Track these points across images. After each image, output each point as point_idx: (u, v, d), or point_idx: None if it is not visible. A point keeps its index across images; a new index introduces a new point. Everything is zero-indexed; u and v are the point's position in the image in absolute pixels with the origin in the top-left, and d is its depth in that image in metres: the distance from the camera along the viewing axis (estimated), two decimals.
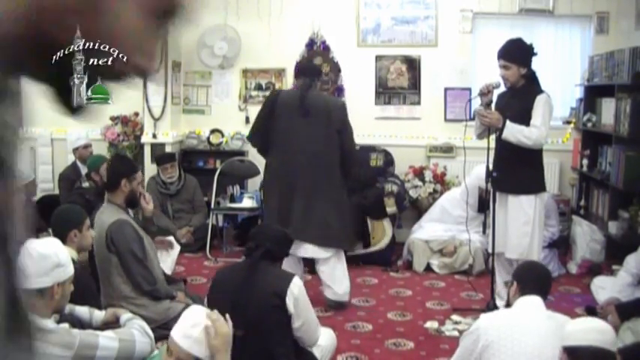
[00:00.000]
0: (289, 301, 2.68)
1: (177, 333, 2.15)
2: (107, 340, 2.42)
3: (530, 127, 3.83)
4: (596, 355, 2.05)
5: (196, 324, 2.15)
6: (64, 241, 2.96)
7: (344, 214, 4.28)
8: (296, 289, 2.72)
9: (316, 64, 4.55)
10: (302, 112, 4.12)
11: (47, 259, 2.33)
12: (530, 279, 2.69)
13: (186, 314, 2.22)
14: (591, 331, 2.10)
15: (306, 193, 4.12)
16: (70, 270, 2.44)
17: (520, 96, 3.94)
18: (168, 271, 4.23)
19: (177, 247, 4.70)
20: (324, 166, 4.14)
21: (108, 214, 3.42)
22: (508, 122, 3.81)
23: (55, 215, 3.25)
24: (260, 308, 2.68)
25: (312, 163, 4.11)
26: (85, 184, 4.99)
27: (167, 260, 4.54)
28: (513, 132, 3.81)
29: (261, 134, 4.26)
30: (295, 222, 4.08)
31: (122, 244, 3.32)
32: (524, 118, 3.89)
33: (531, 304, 2.58)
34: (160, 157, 5.96)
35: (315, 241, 4.18)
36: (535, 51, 3.97)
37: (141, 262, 3.37)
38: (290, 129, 4.14)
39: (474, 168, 5.27)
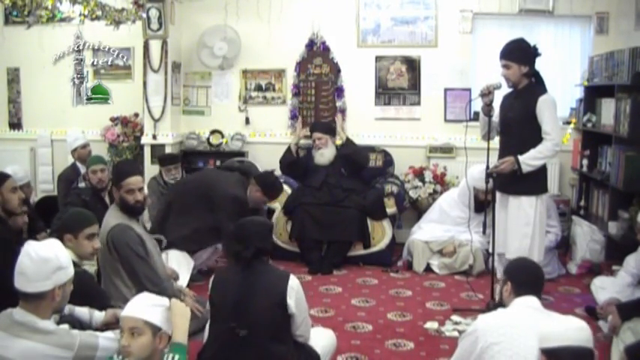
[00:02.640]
0: (290, 301, 2.73)
1: (126, 310, 2.31)
2: (107, 340, 2.42)
3: (543, 143, 3.88)
4: (576, 354, 2.04)
5: (142, 298, 2.36)
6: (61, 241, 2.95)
7: None
8: (295, 287, 2.77)
9: None
10: None
11: (48, 262, 2.32)
12: (524, 278, 2.66)
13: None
14: (568, 330, 2.09)
15: None
16: (71, 271, 2.43)
17: (524, 96, 3.94)
18: (184, 284, 4.29)
19: (192, 262, 4.71)
20: None
21: (112, 217, 3.42)
22: (520, 157, 3.89)
23: (59, 214, 3.24)
24: (262, 309, 2.70)
25: None
26: (82, 184, 4.99)
27: (185, 276, 4.55)
28: (529, 162, 3.88)
29: None
30: None
31: (123, 246, 3.30)
32: (527, 119, 3.90)
33: (528, 304, 2.57)
34: (164, 157, 5.93)
35: None
36: (539, 52, 3.97)
37: (145, 261, 3.35)
38: None
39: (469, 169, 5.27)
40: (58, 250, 2.41)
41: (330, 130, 5.95)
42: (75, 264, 2.91)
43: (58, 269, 2.34)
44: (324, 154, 5.82)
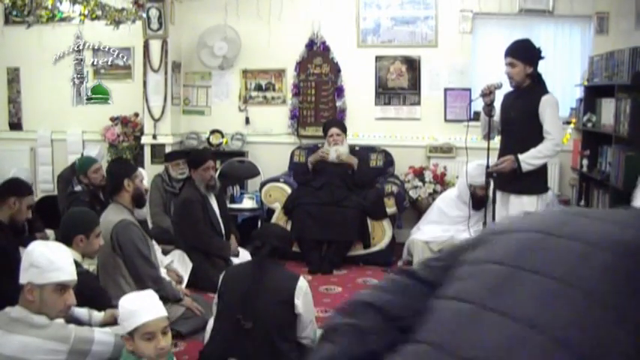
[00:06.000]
0: (298, 301, 2.79)
1: (147, 314, 2.24)
2: (103, 335, 2.43)
3: (544, 142, 3.87)
4: None
5: (149, 298, 2.32)
6: (69, 244, 2.96)
7: None
8: (304, 289, 2.84)
9: None
10: None
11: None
12: None
13: (128, 302, 2.30)
14: None
15: None
16: None
17: (525, 96, 3.95)
18: (183, 285, 4.28)
19: (190, 264, 4.69)
20: None
21: (113, 214, 3.42)
22: (520, 156, 3.87)
23: (65, 217, 3.24)
24: (269, 305, 2.78)
25: None
26: (77, 188, 4.97)
27: (184, 277, 4.54)
28: (530, 161, 3.87)
29: None
30: None
31: (128, 243, 3.31)
32: (529, 118, 3.90)
33: None
34: (171, 153, 5.94)
35: None
36: (543, 54, 3.98)
37: (148, 261, 3.37)
38: None
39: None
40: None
41: (345, 129, 5.95)
42: (77, 264, 2.92)
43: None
44: (340, 150, 5.81)
